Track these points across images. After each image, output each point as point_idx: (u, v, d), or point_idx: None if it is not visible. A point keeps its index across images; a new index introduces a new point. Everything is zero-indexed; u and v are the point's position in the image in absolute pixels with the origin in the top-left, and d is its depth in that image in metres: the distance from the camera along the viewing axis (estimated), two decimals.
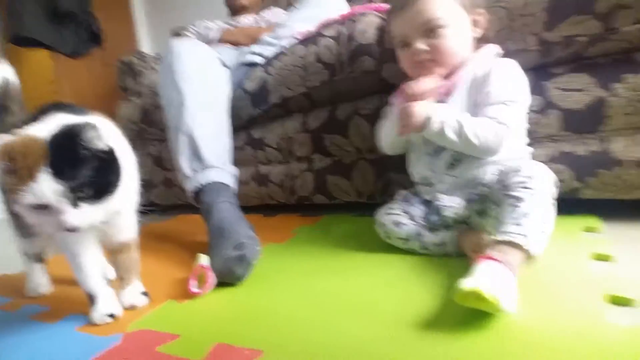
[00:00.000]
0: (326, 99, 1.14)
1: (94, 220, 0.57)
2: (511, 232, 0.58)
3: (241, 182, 1.37)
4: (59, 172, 0.51)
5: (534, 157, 0.80)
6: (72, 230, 0.54)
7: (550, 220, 0.61)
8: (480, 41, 0.78)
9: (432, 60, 0.75)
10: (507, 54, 0.82)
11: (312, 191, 1.22)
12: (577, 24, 0.76)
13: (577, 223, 0.83)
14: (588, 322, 0.49)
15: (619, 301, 0.53)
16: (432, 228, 0.78)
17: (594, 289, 0.56)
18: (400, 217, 0.81)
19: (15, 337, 0.67)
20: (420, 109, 0.72)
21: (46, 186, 0.51)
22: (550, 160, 0.84)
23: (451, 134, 0.70)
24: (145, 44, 2.87)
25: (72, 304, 0.76)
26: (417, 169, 0.84)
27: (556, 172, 0.80)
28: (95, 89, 2.47)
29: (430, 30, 0.73)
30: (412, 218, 0.80)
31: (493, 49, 0.78)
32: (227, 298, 0.72)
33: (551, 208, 0.62)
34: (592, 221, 0.83)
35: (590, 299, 0.54)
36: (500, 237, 0.58)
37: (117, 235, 0.69)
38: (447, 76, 0.76)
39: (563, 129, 0.83)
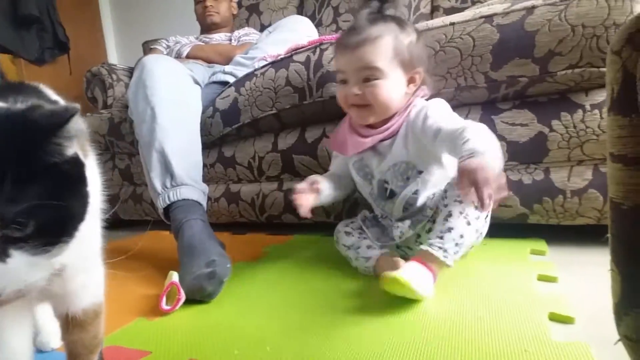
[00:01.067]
0: (296, 121, 1.19)
1: (34, 282, 0.31)
2: (434, 245, 0.71)
3: (212, 199, 1.39)
4: None
5: None
6: None
7: (471, 236, 0.74)
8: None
9: (362, 106, 0.81)
10: (459, 89, 0.92)
11: (281, 210, 1.26)
12: (519, 66, 0.86)
13: (525, 246, 0.91)
14: (534, 340, 0.55)
15: (562, 319, 0.60)
16: (383, 246, 0.87)
17: (540, 309, 0.63)
18: (350, 228, 0.91)
19: None
20: (488, 174, 0.61)
21: None
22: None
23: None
24: (113, 55, 2.83)
25: None
26: (372, 208, 0.95)
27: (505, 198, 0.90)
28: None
29: (366, 77, 0.79)
30: (361, 233, 0.90)
31: (420, 93, 0.84)
32: (198, 315, 0.75)
33: (474, 225, 0.74)
34: (539, 244, 0.92)
35: (535, 317, 0.60)
36: (424, 248, 0.72)
37: (73, 299, 0.44)
38: (383, 122, 0.84)
39: (510, 159, 0.93)
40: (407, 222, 0.85)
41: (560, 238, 0.95)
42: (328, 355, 0.56)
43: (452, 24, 0.91)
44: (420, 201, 0.83)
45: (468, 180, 0.61)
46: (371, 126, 0.85)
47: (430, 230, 0.79)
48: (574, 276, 0.75)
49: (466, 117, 0.95)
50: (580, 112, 0.86)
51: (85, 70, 1.90)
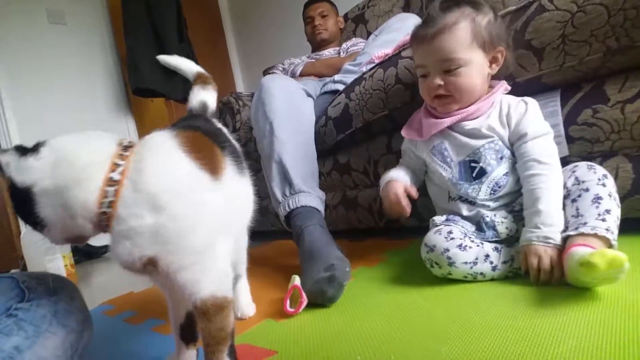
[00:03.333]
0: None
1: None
2: (599, 227, 0.65)
3: (330, 207, 1.41)
4: None
5: None
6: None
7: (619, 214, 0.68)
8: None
9: (446, 96, 0.80)
10: (610, 52, 0.75)
11: None
12: None
13: None
14: None
15: None
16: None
17: None
18: (464, 241, 0.76)
19: (135, 345, 0.77)
20: (545, 257, 0.68)
21: None
22: None
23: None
24: (240, 84, 3.17)
25: None
26: (451, 191, 0.85)
27: None
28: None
29: (447, 68, 0.77)
30: (472, 240, 0.77)
31: (504, 85, 0.83)
32: (320, 318, 0.74)
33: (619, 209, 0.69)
34: None
35: None
36: (587, 231, 0.65)
37: (186, 292, 0.52)
38: (466, 105, 0.81)
39: None
40: (509, 217, 0.78)
41: None
42: None
43: None
44: (509, 186, 0.78)
45: (528, 259, 0.69)
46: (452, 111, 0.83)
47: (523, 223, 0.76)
48: None
49: (622, 87, 0.78)
50: None
51: (218, 101, 2.15)
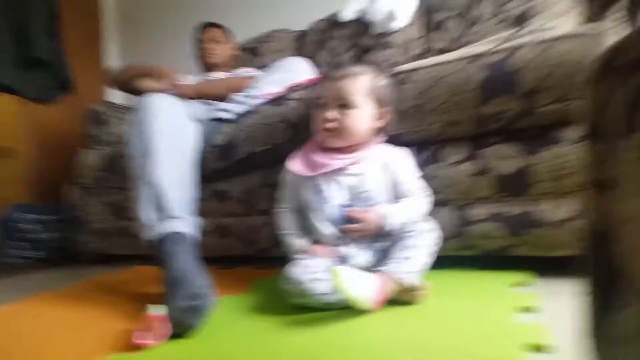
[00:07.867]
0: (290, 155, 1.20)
1: None
2: (392, 270, 0.80)
3: (204, 233, 1.37)
4: None
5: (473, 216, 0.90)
6: None
7: (426, 263, 0.84)
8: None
9: (334, 130, 0.90)
10: (450, 124, 0.94)
11: (271, 244, 1.24)
12: (505, 102, 0.88)
13: (507, 278, 0.91)
14: None
15: (536, 348, 0.57)
16: None
17: (514, 338, 0.61)
18: (317, 274, 0.82)
19: None
20: (373, 218, 0.87)
21: None
22: (485, 219, 0.93)
23: (400, 224, 0.87)
24: (115, 93, 2.91)
25: None
26: (322, 229, 0.93)
27: (492, 229, 0.90)
28: (60, 136, 2.44)
29: (343, 105, 0.89)
30: (325, 271, 0.84)
31: (383, 138, 0.97)
32: (180, 351, 0.71)
33: (430, 255, 0.85)
34: (522, 276, 0.91)
35: (509, 347, 0.58)
36: (383, 269, 0.80)
37: None
38: (349, 150, 0.92)
39: (498, 191, 0.93)
40: (369, 253, 0.89)
41: (547, 269, 0.93)
42: None
43: (440, 63, 0.95)
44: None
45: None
46: (338, 151, 0.93)
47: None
48: (555, 306, 0.73)
49: (456, 152, 0.97)
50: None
51: (85, 108, 1.94)
